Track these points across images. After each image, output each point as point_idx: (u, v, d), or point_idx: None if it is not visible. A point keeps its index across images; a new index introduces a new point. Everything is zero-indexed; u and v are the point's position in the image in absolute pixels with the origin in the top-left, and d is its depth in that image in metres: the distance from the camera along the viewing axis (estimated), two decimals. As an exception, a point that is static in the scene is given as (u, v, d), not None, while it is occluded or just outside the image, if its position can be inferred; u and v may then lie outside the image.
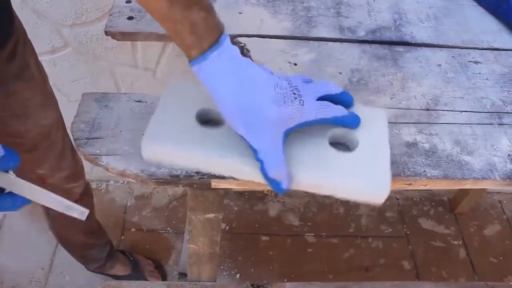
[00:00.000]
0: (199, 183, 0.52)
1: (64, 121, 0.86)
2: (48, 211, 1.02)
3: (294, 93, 0.49)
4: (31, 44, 0.74)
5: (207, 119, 0.53)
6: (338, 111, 0.53)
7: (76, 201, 0.47)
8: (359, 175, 0.51)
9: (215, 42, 0.45)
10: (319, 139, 0.53)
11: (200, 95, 0.52)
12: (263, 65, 0.51)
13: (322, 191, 0.52)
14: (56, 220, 1.05)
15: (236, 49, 0.48)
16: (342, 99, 0.55)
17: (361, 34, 0.73)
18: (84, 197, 1.00)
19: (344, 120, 0.54)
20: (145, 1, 0.46)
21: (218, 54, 0.45)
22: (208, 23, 0.45)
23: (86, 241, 1.14)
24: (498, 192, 1.68)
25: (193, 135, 0.50)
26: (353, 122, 0.55)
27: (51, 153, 0.84)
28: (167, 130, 0.50)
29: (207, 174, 0.52)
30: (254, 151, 0.48)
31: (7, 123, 0.73)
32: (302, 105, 0.49)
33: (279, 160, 0.48)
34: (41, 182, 0.87)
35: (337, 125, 0.54)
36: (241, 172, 0.51)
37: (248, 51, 0.67)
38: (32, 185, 0.46)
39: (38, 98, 0.75)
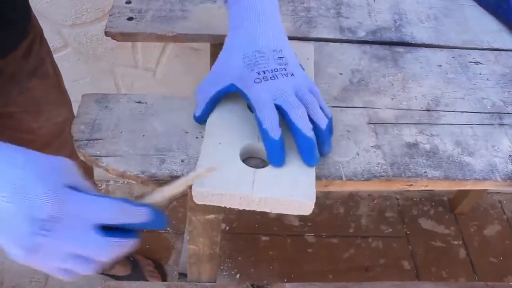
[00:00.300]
0: (199, 184, 0.52)
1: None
2: None
3: (264, 71, 0.49)
4: (47, 42, 0.74)
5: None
6: (269, 123, 0.47)
7: None
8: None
9: None
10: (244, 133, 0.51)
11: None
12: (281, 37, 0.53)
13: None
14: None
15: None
16: (298, 135, 0.47)
17: (361, 34, 0.73)
18: None
19: (264, 137, 0.47)
20: None
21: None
22: None
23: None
24: (498, 192, 1.68)
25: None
26: (273, 158, 0.48)
27: (63, 151, 0.84)
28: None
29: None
30: None
31: (20, 119, 0.73)
32: (255, 81, 0.48)
33: (203, 88, 0.52)
34: None
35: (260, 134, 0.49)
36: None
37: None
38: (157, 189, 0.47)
39: (52, 96, 0.76)
